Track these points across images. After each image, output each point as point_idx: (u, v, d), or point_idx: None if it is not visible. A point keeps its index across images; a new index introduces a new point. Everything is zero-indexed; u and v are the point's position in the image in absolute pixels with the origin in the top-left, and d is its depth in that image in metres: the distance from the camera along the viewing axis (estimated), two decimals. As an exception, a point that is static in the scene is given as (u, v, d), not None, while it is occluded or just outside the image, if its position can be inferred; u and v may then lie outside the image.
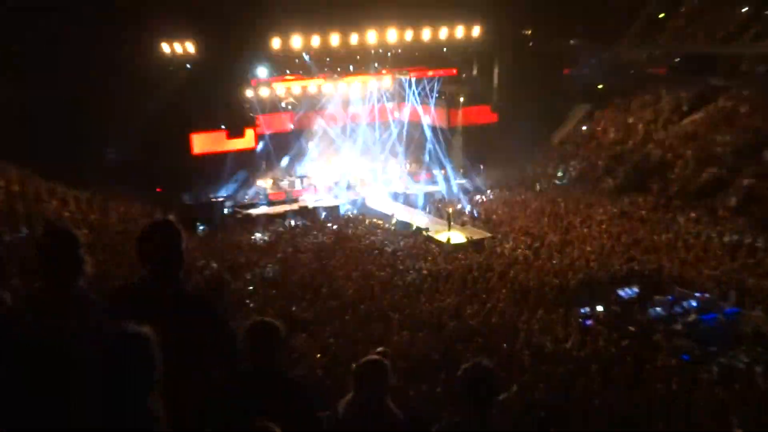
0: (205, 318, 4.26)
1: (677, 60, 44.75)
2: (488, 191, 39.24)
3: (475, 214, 34.12)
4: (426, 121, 44.89)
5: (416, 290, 22.86)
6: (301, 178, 41.10)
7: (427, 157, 44.66)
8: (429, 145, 43.54)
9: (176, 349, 3.24)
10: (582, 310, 21.34)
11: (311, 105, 43.04)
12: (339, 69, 41.13)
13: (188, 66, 36.73)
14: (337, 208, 37.01)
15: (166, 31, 36.24)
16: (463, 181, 41.36)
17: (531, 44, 45.97)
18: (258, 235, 31.30)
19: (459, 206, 36.24)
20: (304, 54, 38.90)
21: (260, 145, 40.26)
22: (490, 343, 18.28)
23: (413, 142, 45.09)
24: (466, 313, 20.45)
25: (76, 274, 4.10)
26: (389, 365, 4.25)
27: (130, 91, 34.01)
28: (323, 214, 35.85)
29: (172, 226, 4.32)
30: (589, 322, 20.53)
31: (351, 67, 41.67)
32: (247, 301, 21.28)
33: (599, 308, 21.45)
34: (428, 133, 43.95)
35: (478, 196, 38.24)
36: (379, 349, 5.56)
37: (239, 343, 4.34)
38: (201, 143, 37.62)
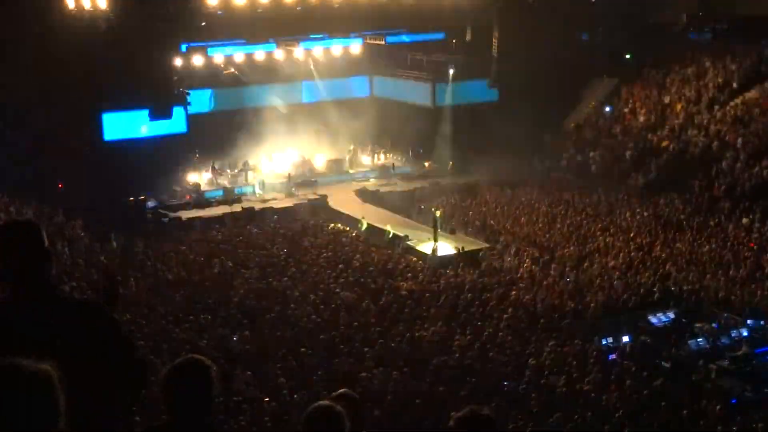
0: (97, 329, 4.31)
1: (726, 23, 45.14)
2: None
3: None
4: (405, 99, 44.86)
5: (393, 316, 22.88)
6: (246, 171, 40.98)
7: (407, 146, 44.73)
8: (409, 131, 43.56)
9: (74, 387, 3.23)
10: (603, 342, 21.49)
11: (259, 77, 42.91)
12: (295, 32, 41.02)
13: (100, 26, 36.45)
14: (291, 209, 36.89)
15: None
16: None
17: (539, 2, 46.08)
18: None
19: (447, 206, 36.36)
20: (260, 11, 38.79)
21: (193, 130, 40.11)
22: (487, 384, 18.35)
23: (389, 126, 45.09)
24: (457, 345, 20.50)
25: None
26: (344, 413, 4.26)
27: (23, 57, 33.66)
28: (274, 217, 35.75)
29: (28, 224, 4.45)
30: (612, 356, 20.68)
31: (310, 30, 41.63)
32: (176, 330, 21.21)
33: (625, 339, 21.60)
34: (408, 114, 43.97)
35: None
36: (340, 391, 5.56)
37: (160, 382, 4.32)
38: (115, 126, 37.32)
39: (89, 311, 4.35)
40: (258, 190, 39.61)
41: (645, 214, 32.84)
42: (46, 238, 4.36)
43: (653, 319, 22.75)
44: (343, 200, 38.75)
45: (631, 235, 30.21)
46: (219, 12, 37.96)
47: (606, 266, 26.97)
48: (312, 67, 43.78)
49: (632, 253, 28.08)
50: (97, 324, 4.26)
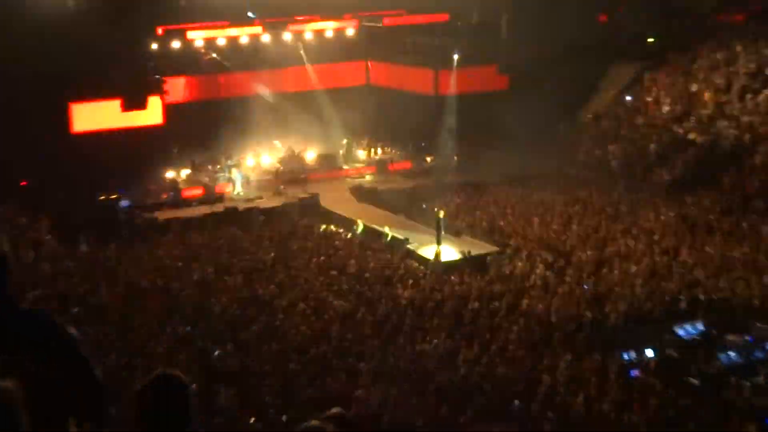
0: (56, 344, 4.32)
1: (759, 3, 45.09)
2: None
3: None
4: (405, 87, 44.81)
5: (392, 328, 22.82)
6: (229, 167, 40.91)
7: (407, 140, 44.71)
8: (410, 122, 43.51)
9: (36, 404, 3.26)
10: (625, 356, 21.42)
11: (243, 63, 42.86)
12: (283, 13, 41.01)
13: (68, 5, 36.36)
14: (278, 210, 36.84)
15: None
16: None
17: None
18: None
19: (451, 206, 36.29)
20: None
21: (170, 121, 40.04)
22: (496, 403, 18.28)
23: (387, 117, 45.02)
24: (463, 359, 20.45)
25: None
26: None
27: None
28: (260, 218, 35.69)
29: None
30: (635, 372, 20.60)
31: (300, 11, 41.61)
32: (152, 344, 21.15)
33: (649, 353, 21.53)
34: (408, 104, 43.93)
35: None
36: (332, 410, 5.51)
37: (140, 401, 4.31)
38: (85, 117, 37.25)
39: (46, 325, 4.33)
40: (238, 189, 39.45)
41: (670, 214, 32.76)
42: (6, 242, 4.33)
43: (680, 331, 22.65)
44: (337, 199, 38.74)
45: (656, 237, 30.14)
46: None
47: (628, 273, 26.89)
48: (302, 51, 43.68)
49: (656, 258, 28.01)
50: (54, 338, 4.25)
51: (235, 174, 40.36)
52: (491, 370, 19.89)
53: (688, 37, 44.34)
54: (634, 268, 27.19)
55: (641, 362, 21.10)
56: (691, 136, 38.62)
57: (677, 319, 23.56)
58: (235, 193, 39.42)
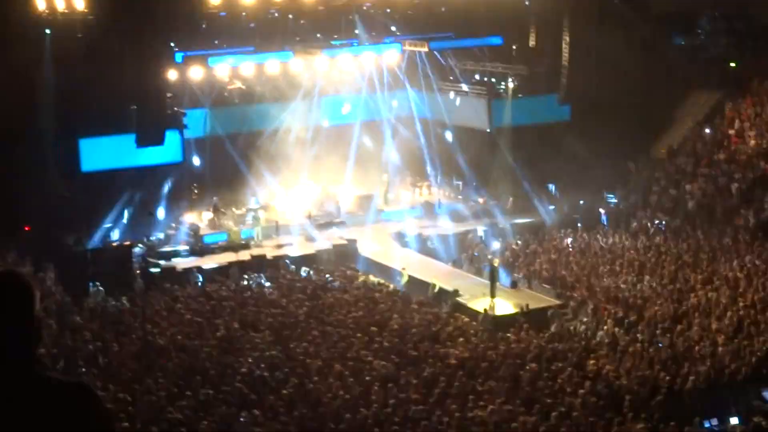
0: (81, 420, 4.24)
1: None
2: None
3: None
4: (454, 119, 44.93)
5: (440, 391, 22.80)
6: (256, 210, 41.10)
7: (457, 178, 44.74)
8: (459, 158, 43.59)
9: None
10: (707, 425, 21.26)
11: (272, 93, 43.09)
12: (318, 36, 41.28)
13: (77, 31, 36.77)
14: (312, 258, 36.97)
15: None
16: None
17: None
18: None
19: (507, 253, 36.26)
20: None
21: (190, 158, 40.32)
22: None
23: (433, 153, 45.11)
24: (520, 427, 20.38)
25: None
26: None
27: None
28: (291, 267, 35.83)
29: (18, 278, 4.33)
30: (717, 443, 20.48)
31: (335, 35, 41.88)
32: (170, 409, 21.22)
33: (734, 421, 21.36)
34: (458, 138, 44.03)
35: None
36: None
37: None
38: (95, 154, 37.57)
39: (78, 396, 4.24)
40: (256, 234, 39.64)
41: (757, 262, 32.57)
42: (36, 304, 4.26)
43: (770, 397, 22.52)
44: (377, 246, 38.78)
45: (740, 289, 29.96)
46: (222, 13, 38.10)
47: (709, 329, 26.73)
48: (338, 79, 43.87)
49: (741, 312, 27.82)
50: (86, 413, 4.20)
51: (253, 218, 40.45)
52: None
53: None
54: (715, 324, 27.03)
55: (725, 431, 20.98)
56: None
57: (766, 382, 23.38)
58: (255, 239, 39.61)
